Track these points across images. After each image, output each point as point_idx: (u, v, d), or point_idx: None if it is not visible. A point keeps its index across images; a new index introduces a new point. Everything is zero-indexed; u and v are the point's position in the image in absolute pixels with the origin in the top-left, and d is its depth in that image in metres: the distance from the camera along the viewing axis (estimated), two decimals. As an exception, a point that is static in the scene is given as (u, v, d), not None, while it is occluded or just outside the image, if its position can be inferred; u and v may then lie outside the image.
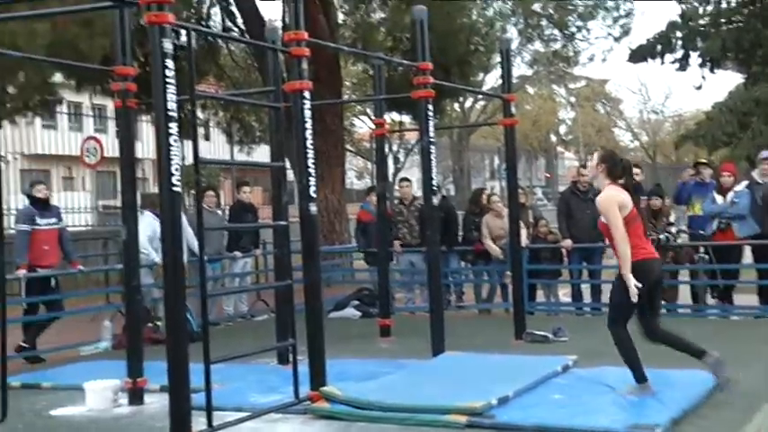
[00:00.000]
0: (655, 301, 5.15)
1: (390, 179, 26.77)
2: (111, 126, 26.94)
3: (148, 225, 8.67)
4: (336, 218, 14.49)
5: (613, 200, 4.97)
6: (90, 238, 14.94)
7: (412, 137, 30.11)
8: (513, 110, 7.83)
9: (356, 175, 37.33)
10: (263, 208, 21.25)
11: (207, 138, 23.09)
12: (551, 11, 18.84)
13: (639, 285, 4.88)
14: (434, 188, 6.89)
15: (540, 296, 9.98)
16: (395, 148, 30.61)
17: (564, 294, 10.44)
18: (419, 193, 8.73)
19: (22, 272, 7.99)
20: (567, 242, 9.34)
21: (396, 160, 30.67)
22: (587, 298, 9.65)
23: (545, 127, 48.24)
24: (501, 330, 7.92)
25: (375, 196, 10.60)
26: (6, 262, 5.43)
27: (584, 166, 9.97)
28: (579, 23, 18.99)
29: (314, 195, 5.19)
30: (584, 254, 9.45)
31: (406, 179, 11.24)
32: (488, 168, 43.08)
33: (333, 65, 14.33)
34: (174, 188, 4.06)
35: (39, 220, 8.19)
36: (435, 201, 6.90)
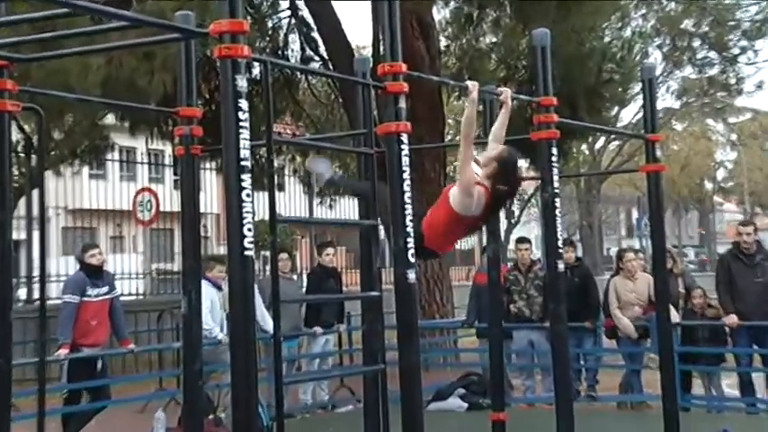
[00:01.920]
0: None
1: (503, 238, 26.73)
2: (168, 175, 27.87)
3: (205, 295, 8.86)
4: (438, 286, 14.49)
5: None
6: (141, 310, 15.31)
7: (530, 186, 30.03)
8: (658, 152, 7.74)
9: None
10: (348, 273, 21.48)
11: (281, 188, 23.56)
12: (707, 28, 18.61)
13: None
14: (560, 250, 6.83)
15: (698, 387, 9.72)
16: (509, 199, 30.50)
17: (729, 385, 10.13)
18: (538, 254, 8.67)
19: (63, 352, 8.16)
20: (732, 318, 9.09)
21: (510, 214, 30.55)
22: (761, 392, 9.33)
23: (698, 172, 47.34)
24: (646, 430, 7.71)
25: (484, 256, 10.65)
26: (47, 339, 5.58)
27: (748, 223, 9.74)
28: (743, 43, 18.65)
29: (412, 260, 5.21)
30: (754, 334, 9.16)
31: (525, 240, 11.22)
32: (624, 224, 42.44)
33: (434, 100, 14.50)
34: (247, 252, 4.15)
35: (90, 291, 8.44)
36: (561, 266, 6.83)
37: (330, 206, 21.69)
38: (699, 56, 20.54)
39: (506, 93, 6.42)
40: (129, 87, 9.98)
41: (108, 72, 9.95)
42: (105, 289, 8.64)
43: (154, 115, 12.22)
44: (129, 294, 17.86)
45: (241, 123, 4.17)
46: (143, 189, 18.39)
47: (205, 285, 8.97)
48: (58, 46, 6.81)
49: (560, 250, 6.81)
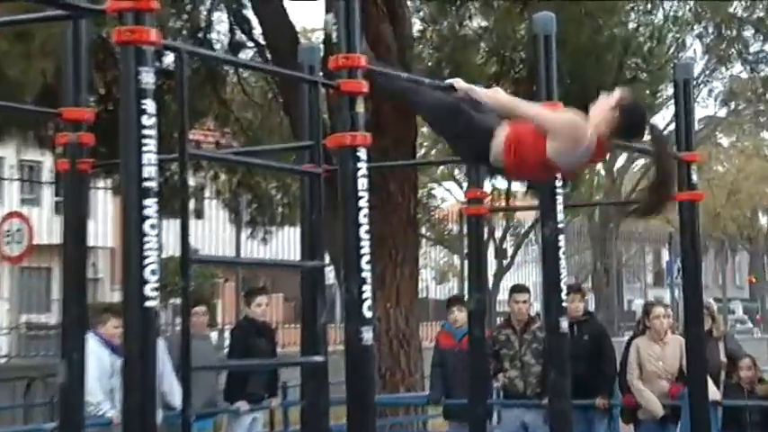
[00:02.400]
0: None
1: (491, 285, 26.80)
2: (47, 196, 27.68)
3: (94, 357, 8.81)
4: (403, 347, 14.47)
5: None
6: (5, 378, 15.15)
7: (527, 217, 30.17)
8: (696, 176, 7.84)
9: (435, 276, 37.38)
10: (285, 330, 21.42)
11: (199, 215, 23.49)
12: (762, 13, 18.83)
13: None
14: (563, 303, 6.89)
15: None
16: (498, 233, 30.66)
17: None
18: (538, 308, 8.73)
19: None
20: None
21: (500, 253, 30.67)
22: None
23: (749, 201, 47.67)
24: None
25: (460, 312, 10.67)
26: None
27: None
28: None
29: (369, 313, 5.24)
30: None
31: (521, 288, 11.26)
32: (651, 268, 42.68)
33: (403, 103, 14.54)
34: (149, 302, 4.15)
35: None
36: (564, 325, 6.89)
37: (264, 240, 21.62)
38: (751, 49, 20.78)
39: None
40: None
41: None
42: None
43: (29, 116, 12.13)
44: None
45: (145, 132, 4.18)
46: (11, 214, 18.26)
47: (94, 344, 8.95)
48: None
49: (564, 303, 6.87)
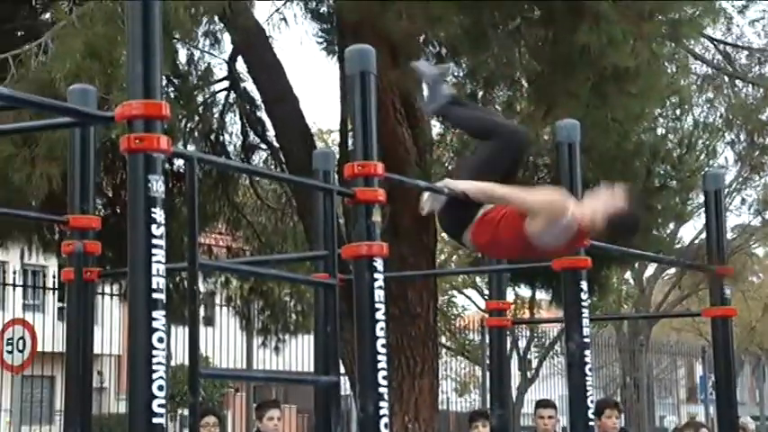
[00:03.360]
0: None
1: (514, 399, 26.58)
2: (51, 302, 27.64)
3: None
4: (423, 466, 14.37)
5: None
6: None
7: (552, 327, 30.01)
8: (729, 289, 7.82)
9: (456, 388, 37.14)
10: (298, 445, 21.27)
11: (209, 322, 23.43)
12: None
13: None
14: (590, 421, 6.84)
15: None
16: (522, 344, 30.51)
17: None
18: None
19: None
20: None
21: (524, 364, 30.49)
22: None
23: (786, 316, 47.38)
24: None
25: (484, 428, 10.56)
26: None
27: None
28: None
29: (386, 430, 5.22)
30: None
31: (548, 403, 11.20)
32: (684, 383, 42.32)
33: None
34: (156, 419, 4.14)
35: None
36: (595, 444, 6.85)
37: (276, 349, 21.53)
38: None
39: None
40: (0, 182, 9.97)
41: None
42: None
43: (33, 221, 12.20)
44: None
45: (154, 241, 4.18)
46: (14, 321, 18.23)
47: None
48: None
49: (591, 421, 6.82)
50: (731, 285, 7.92)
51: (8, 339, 17.23)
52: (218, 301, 20.88)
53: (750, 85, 20.05)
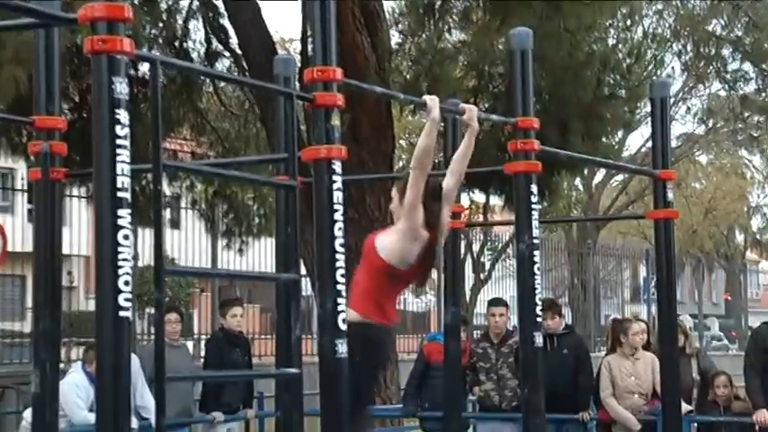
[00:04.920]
0: None
1: (467, 298, 26.79)
2: (21, 203, 27.56)
3: (83, 392, 9.05)
4: (380, 360, 14.49)
5: None
6: (-23, 386, 15.10)
7: (504, 231, 30.21)
8: (671, 193, 7.88)
9: (412, 288, 37.39)
10: (261, 341, 21.37)
11: (175, 225, 23.44)
12: (740, 32, 18.87)
13: None
14: (538, 318, 6.90)
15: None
16: (476, 247, 30.69)
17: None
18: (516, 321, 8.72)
19: None
20: (762, 414, 9.25)
21: (477, 266, 30.71)
22: None
23: (726, 219, 47.84)
24: None
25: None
26: None
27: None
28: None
29: (343, 326, 5.25)
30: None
31: (499, 302, 11.28)
32: (629, 284, 42.79)
33: (380, 116, 14.56)
34: (122, 312, 4.15)
35: None
36: (538, 339, 6.90)
37: (240, 251, 21.57)
38: (729, 68, 20.88)
39: (471, 111, 6.52)
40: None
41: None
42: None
43: (1, 123, 12.11)
44: (-38, 363, 17.60)
45: (119, 141, 4.17)
46: (-14, 222, 18.22)
47: (82, 380, 9.14)
48: None
49: (538, 318, 6.89)
50: (674, 190, 7.96)
51: (-21, 239, 17.20)
52: (183, 204, 20.86)
53: (698, -3, 20.07)
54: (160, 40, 15.34)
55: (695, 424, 10.31)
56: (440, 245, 6.64)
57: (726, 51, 19.98)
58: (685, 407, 9.05)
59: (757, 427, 9.50)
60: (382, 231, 6.50)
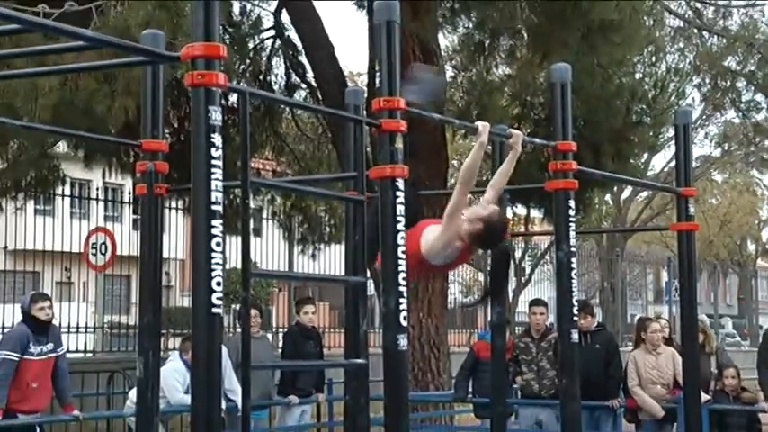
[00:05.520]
0: None
1: (510, 300, 26.71)
2: (127, 213, 27.86)
3: (181, 377, 9.17)
4: (434, 352, 14.44)
5: None
6: (90, 370, 15.19)
7: (543, 240, 30.09)
8: (692, 208, 7.81)
9: (462, 290, 37.23)
10: (331, 334, 21.42)
11: (257, 233, 23.55)
12: (753, 67, 18.71)
13: None
14: (575, 317, 6.86)
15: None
16: (518, 254, 30.56)
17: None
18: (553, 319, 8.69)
19: (-5, 419, 8.10)
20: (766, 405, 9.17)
21: (519, 271, 30.59)
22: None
23: (739, 231, 47.39)
24: None
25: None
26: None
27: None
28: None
29: (404, 323, 5.25)
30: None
31: (539, 302, 11.24)
32: (652, 287, 42.47)
33: (437, 137, 14.58)
34: (215, 309, 4.17)
35: (33, 348, 8.38)
36: (575, 336, 6.86)
37: (313, 256, 21.66)
38: (743, 98, 20.69)
39: (516, 136, 6.49)
40: (85, 113, 9.99)
41: (61, 95, 9.95)
42: (50, 346, 8.58)
43: (113, 145, 12.25)
44: (77, 351, 17.72)
45: (213, 162, 4.20)
46: (97, 229, 18.34)
47: (180, 365, 9.20)
48: (3, 65, 6.85)
49: (575, 318, 6.85)
50: (693, 205, 7.90)
51: (93, 244, 17.40)
52: (264, 215, 21.00)
53: (715, 36, 19.89)
54: (247, 75, 15.47)
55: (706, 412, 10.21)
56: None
57: (740, 84, 19.78)
58: (704, 396, 8.97)
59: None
60: (435, 222, 6.35)
